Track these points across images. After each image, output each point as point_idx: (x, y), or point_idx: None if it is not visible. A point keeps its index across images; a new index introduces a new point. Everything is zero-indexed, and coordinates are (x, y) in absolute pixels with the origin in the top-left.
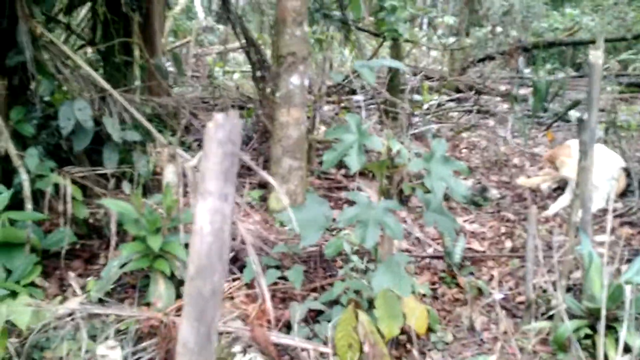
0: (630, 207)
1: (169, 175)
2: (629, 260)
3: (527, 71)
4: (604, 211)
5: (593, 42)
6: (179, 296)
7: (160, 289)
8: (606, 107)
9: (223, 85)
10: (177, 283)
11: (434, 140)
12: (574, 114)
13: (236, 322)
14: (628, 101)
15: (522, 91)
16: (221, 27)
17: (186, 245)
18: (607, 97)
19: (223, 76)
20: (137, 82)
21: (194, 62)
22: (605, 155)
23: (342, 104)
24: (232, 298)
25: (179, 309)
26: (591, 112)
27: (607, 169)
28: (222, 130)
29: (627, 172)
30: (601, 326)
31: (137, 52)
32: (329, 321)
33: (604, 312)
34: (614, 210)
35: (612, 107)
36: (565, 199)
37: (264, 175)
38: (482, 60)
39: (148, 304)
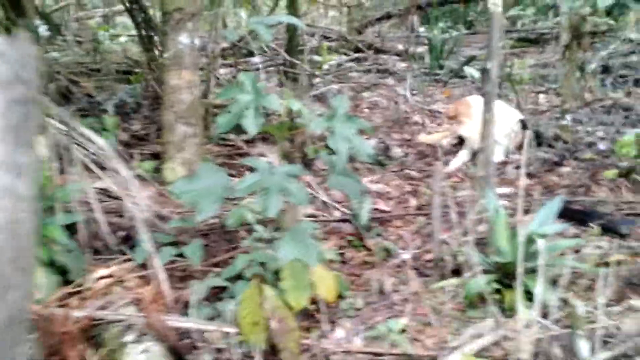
0: (528, 158)
1: (40, 148)
2: (527, 211)
3: (421, 30)
4: (504, 164)
5: None
6: (63, 284)
7: (38, 279)
8: (500, 61)
9: (108, 49)
10: (59, 270)
11: (335, 98)
12: (468, 70)
13: (128, 309)
14: (519, 55)
15: (419, 49)
16: None
17: (67, 227)
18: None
19: (109, 41)
20: None
21: (75, 27)
22: (503, 109)
23: (240, 67)
24: (122, 282)
25: (61, 299)
26: (493, 61)
27: (505, 123)
28: (4, 64)
29: (524, 124)
30: (518, 283)
31: None
32: (233, 298)
33: (521, 270)
34: (513, 162)
35: (505, 61)
36: (464, 154)
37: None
38: (379, 19)
39: None
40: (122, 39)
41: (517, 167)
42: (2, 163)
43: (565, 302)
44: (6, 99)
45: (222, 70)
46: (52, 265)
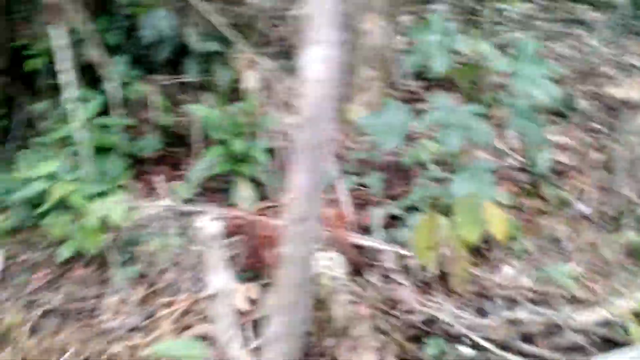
0: None
1: (250, 80)
2: None
3: None
4: None
5: None
6: (262, 199)
7: (244, 192)
8: None
9: None
10: (259, 187)
11: (522, 42)
12: None
13: None
14: None
15: None
16: None
17: (268, 150)
18: None
19: None
20: None
21: None
22: None
23: (422, 14)
24: None
25: (261, 210)
26: None
27: None
28: None
29: None
30: None
31: None
32: (406, 226)
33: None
34: None
35: None
36: None
37: None
38: None
39: (232, 206)
40: None
41: None
42: (324, 41)
43: None
44: None
45: (404, 17)
46: (253, 181)
